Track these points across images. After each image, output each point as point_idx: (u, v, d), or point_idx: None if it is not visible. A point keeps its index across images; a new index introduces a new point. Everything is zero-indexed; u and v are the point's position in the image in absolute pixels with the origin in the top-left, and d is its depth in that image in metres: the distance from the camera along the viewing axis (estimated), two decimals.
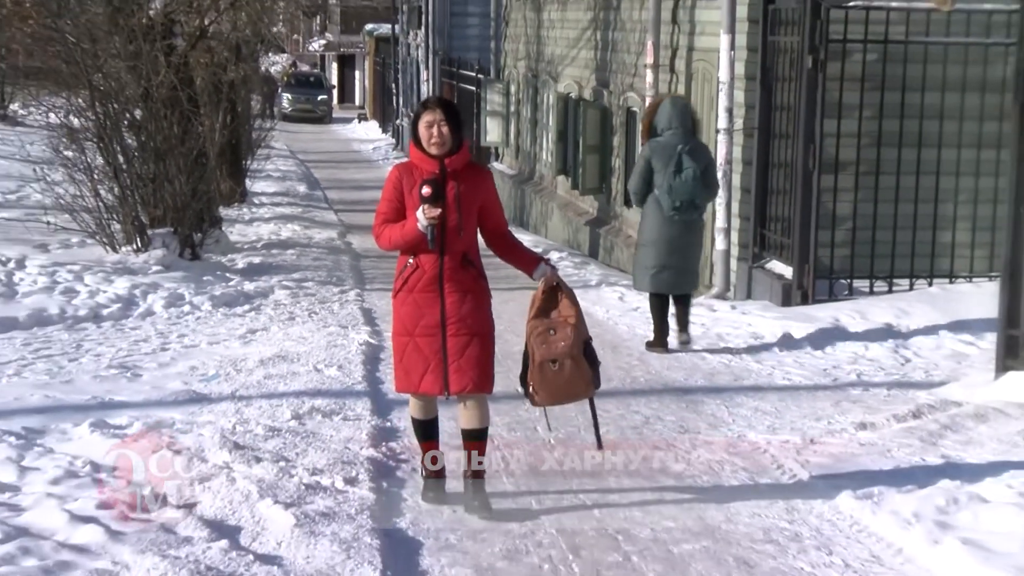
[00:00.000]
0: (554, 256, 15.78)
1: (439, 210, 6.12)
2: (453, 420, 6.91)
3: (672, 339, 10.49)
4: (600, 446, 6.65)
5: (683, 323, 10.47)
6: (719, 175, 12.71)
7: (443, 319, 6.21)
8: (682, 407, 8.61)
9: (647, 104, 13.15)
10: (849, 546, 6.00)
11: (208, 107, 18.45)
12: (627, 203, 17.05)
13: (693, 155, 10.16)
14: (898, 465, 7.09)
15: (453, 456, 6.75)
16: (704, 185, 10.26)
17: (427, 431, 6.56)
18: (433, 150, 6.21)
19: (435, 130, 6.18)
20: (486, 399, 6.39)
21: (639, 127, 15.91)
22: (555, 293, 6.34)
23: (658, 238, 10.29)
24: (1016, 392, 8.28)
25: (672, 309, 10.53)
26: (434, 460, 6.58)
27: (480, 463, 6.42)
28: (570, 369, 6.24)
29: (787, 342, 10.54)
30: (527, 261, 6.46)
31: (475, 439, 6.40)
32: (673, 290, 10.40)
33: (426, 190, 6.11)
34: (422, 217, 6.12)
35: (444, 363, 6.22)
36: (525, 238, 15.27)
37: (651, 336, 10.61)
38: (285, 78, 51.95)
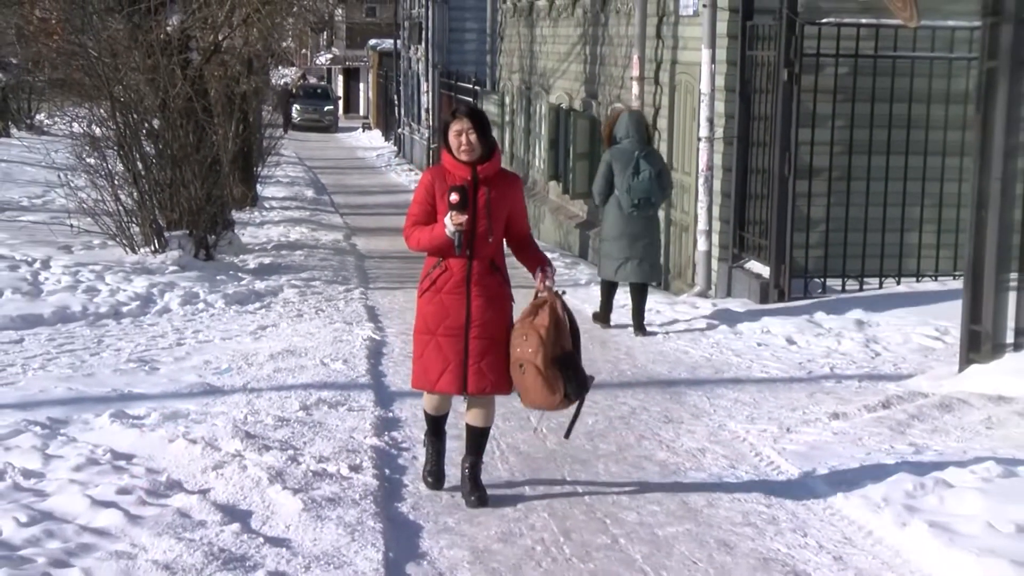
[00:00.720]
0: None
1: (466, 217, 5.94)
2: (452, 411, 6.89)
3: (625, 334, 10.95)
4: (567, 435, 6.41)
5: (639, 314, 10.98)
6: (701, 181, 12.77)
7: (468, 322, 6.05)
8: (666, 398, 8.60)
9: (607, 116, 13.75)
10: (823, 529, 6.00)
11: (222, 117, 18.42)
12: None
13: (649, 160, 10.86)
14: (869, 452, 7.08)
15: (452, 445, 6.73)
16: (659, 186, 10.87)
17: (437, 427, 6.46)
18: (463, 157, 6.05)
19: (463, 138, 6.02)
20: (494, 401, 6.29)
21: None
22: (543, 302, 6.07)
23: (621, 234, 10.87)
24: (979, 383, 8.28)
25: (627, 301, 11.22)
26: (438, 452, 6.50)
27: (479, 458, 6.33)
28: (532, 376, 5.95)
29: (765, 337, 10.53)
30: (531, 263, 6.23)
31: (478, 437, 6.31)
32: (636, 279, 10.93)
33: (454, 197, 5.93)
34: (450, 223, 5.95)
35: (464, 364, 6.06)
36: None
37: (630, 320, 11.13)
38: (295, 89, 51.52)
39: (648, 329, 10.92)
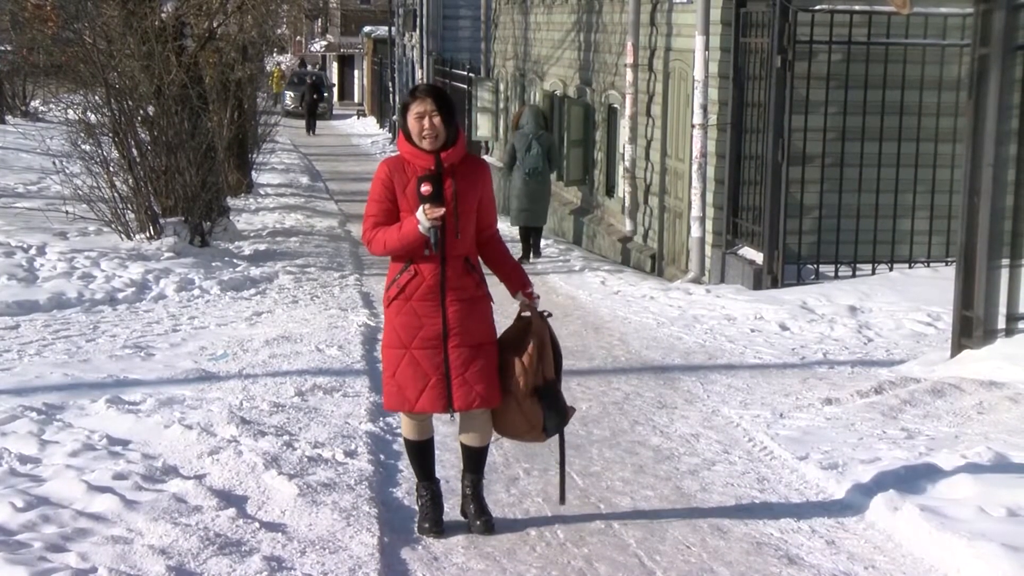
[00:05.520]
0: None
1: (442, 210, 5.21)
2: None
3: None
4: (562, 499, 5.72)
5: (536, 247, 15.16)
6: (694, 167, 12.79)
7: (445, 331, 5.33)
8: (660, 384, 8.61)
9: (515, 112, 17.70)
10: (815, 513, 6.00)
11: (216, 104, 18.39)
12: (608, 193, 17.06)
13: (540, 141, 14.91)
14: (861, 437, 7.08)
15: (446, 455, 6.72)
16: (547, 160, 15.01)
17: (424, 458, 5.66)
18: (425, 144, 5.28)
19: (426, 122, 5.25)
20: (490, 414, 5.53)
21: (622, 123, 15.96)
22: (528, 325, 5.48)
23: (520, 193, 14.84)
24: (971, 369, 8.29)
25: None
26: (434, 498, 5.67)
27: (480, 475, 5.68)
28: (509, 406, 5.38)
29: (758, 323, 10.54)
30: (512, 281, 5.54)
31: (477, 457, 5.62)
32: (531, 223, 15.02)
33: (426, 188, 5.21)
34: (423, 218, 5.22)
35: (447, 378, 5.35)
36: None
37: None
38: (278, 83, 45.85)
39: (540, 254, 15.13)
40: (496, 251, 5.59)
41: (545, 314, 5.53)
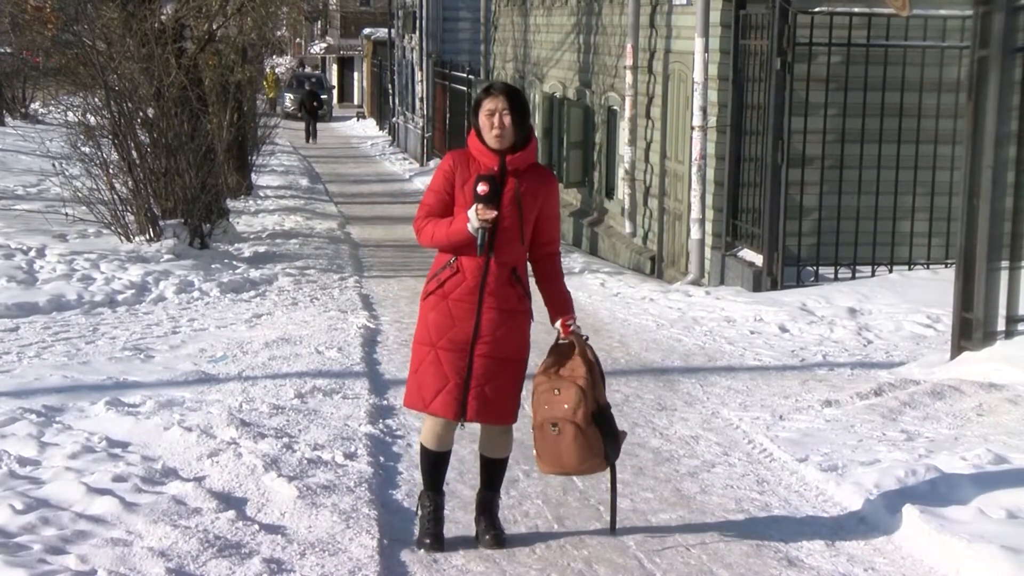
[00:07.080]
0: None
1: (495, 212, 5.05)
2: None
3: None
4: (613, 528, 5.59)
5: None
6: (694, 169, 12.81)
7: (475, 336, 5.16)
8: (660, 386, 8.61)
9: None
10: (815, 515, 6.01)
11: (216, 106, 18.39)
12: (607, 195, 17.07)
13: None
14: (861, 439, 7.09)
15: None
16: None
17: (435, 471, 5.46)
18: (494, 143, 5.13)
19: (496, 119, 5.11)
20: (511, 428, 5.42)
21: (622, 125, 16.06)
22: (571, 348, 5.26)
23: None
24: (970, 371, 8.29)
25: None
26: (437, 509, 5.48)
27: (497, 493, 5.54)
28: (572, 435, 5.15)
29: (758, 325, 10.55)
30: (554, 307, 5.33)
31: (494, 469, 5.49)
32: None
33: (482, 187, 5.04)
34: (474, 218, 5.06)
35: (465, 385, 5.18)
36: None
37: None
38: (272, 87, 42.13)
39: None
40: (549, 270, 5.38)
41: (585, 339, 5.33)
